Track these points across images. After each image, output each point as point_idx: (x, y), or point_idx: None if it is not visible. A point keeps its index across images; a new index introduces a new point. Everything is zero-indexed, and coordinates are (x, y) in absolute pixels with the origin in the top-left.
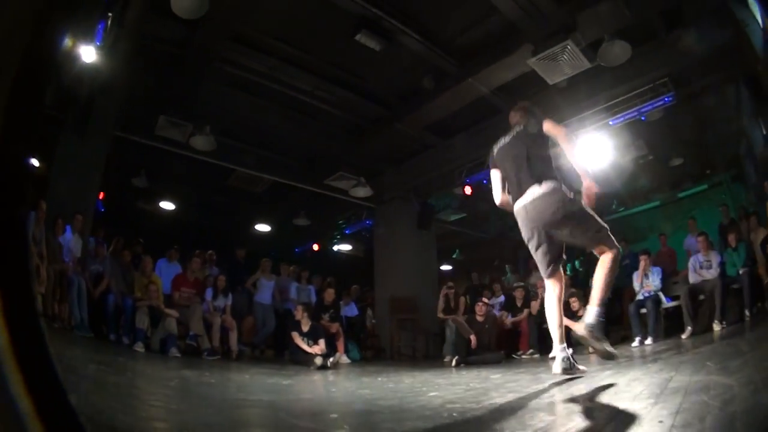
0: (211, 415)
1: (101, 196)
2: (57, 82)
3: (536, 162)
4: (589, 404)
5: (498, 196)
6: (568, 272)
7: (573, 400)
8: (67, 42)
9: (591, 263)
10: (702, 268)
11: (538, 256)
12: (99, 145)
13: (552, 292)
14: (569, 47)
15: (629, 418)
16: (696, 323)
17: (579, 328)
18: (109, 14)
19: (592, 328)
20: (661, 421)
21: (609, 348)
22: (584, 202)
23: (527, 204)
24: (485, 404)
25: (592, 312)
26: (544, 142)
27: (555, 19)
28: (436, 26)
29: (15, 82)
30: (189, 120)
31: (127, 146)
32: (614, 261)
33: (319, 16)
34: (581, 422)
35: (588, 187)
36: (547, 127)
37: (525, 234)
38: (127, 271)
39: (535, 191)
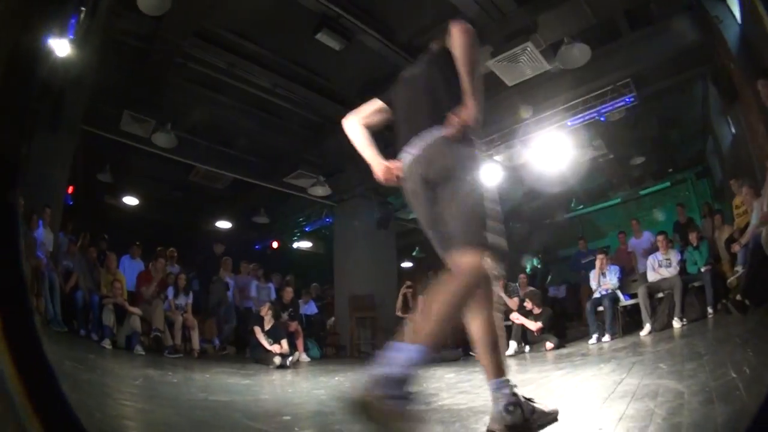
0: (173, 415)
1: (70, 190)
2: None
3: (442, 93)
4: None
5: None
6: (527, 270)
7: None
8: (44, 35)
9: (552, 262)
10: (661, 266)
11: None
12: (68, 139)
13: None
14: (529, 49)
15: (570, 424)
16: (655, 321)
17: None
18: (82, 8)
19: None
20: (600, 429)
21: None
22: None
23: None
24: (434, 405)
25: (403, 353)
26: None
27: (515, 20)
28: (396, 26)
29: (2, 76)
30: (152, 116)
31: (94, 140)
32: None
33: (280, 13)
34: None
35: (462, 114)
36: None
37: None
38: (94, 267)
39: (431, 135)
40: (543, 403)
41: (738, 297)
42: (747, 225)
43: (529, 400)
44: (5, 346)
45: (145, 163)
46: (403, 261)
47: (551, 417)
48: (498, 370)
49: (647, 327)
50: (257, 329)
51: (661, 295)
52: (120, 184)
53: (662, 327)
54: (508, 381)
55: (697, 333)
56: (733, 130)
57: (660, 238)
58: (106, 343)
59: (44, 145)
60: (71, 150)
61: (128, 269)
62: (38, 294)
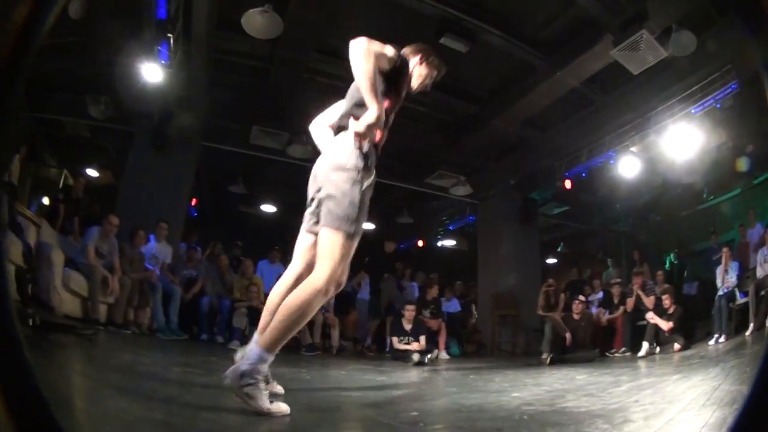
0: (299, 411)
1: (194, 202)
2: (115, 99)
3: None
4: (643, 413)
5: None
6: (666, 266)
7: (635, 407)
8: (124, 61)
9: (688, 257)
10: (766, 261)
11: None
12: (186, 156)
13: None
14: (645, 36)
15: (668, 430)
16: (757, 320)
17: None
18: (169, 35)
19: (243, 378)
20: None
21: (267, 406)
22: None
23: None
24: (557, 407)
25: (250, 354)
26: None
27: (626, 7)
28: (516, 22)
29: None
30: (284, 129)
31: (220, 155)
32: (310, 294)
33: (401, 22)
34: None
35: (363, 118)
36: None
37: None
38: (225, 273)
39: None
40: (274, 406)
41: None
42: None
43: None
44: None
45: (281, 172)
46: (548, 257)
47: (262, 411)
48: (270, 344)
49: (751, 326)
50: (395, 339)
51: (763, 292)
52: (255, 194)
53: (760, 326)
54: (265, 360)
55: None
56: None
57: (766, 231)
58: (235, 344)
59: (153, 165)
60: (191, 166)
61: (266, 273)
62: (141, 306)
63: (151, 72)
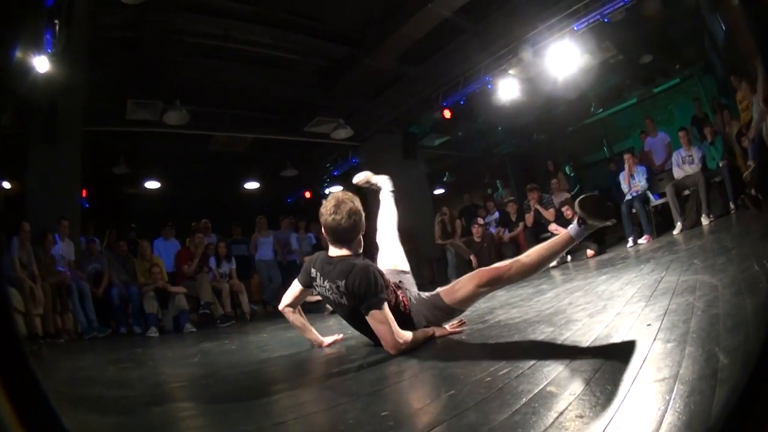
0: (239, 381)
1: (83, 193)
2: (12, 100)
3: None
4: (584, 312)
5: None
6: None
7: (572, 308)
8: (16, 59)
9: (582, 169)
10: (684, 162)
11: None
12: (71, 147)
13: None
14: None
15: (620, 322)
16: (685, 218)
17: None
18: (56, 21)
19: None
20: (649, 324)
21: None
22: None
23: None
24: (491, 323)
25: None
26: None
27: None
28: None
29: None
30: (158, 98)
31: (100, 138)
32: None
33: None
34: (576, 330)
35: None
36: None
37: None
38: (126, 260)
39: None
40: None
41: (752, 192)
42: (752, 119)
43: None
44: None
45: (158, 145)
46: (435, 188)
47: None
48: None
49: (678, 225)
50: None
51: (687, 192)
52: (138, 172)
53: (692, 224)
54: None
55: (723, 228)
56: (724, 27)
57: (681, 134)
58: (153, 332)
59: (47, 162)
60: (77, 156)
61: (164, 251)
62: (64, 310)
63: (40, 63)
